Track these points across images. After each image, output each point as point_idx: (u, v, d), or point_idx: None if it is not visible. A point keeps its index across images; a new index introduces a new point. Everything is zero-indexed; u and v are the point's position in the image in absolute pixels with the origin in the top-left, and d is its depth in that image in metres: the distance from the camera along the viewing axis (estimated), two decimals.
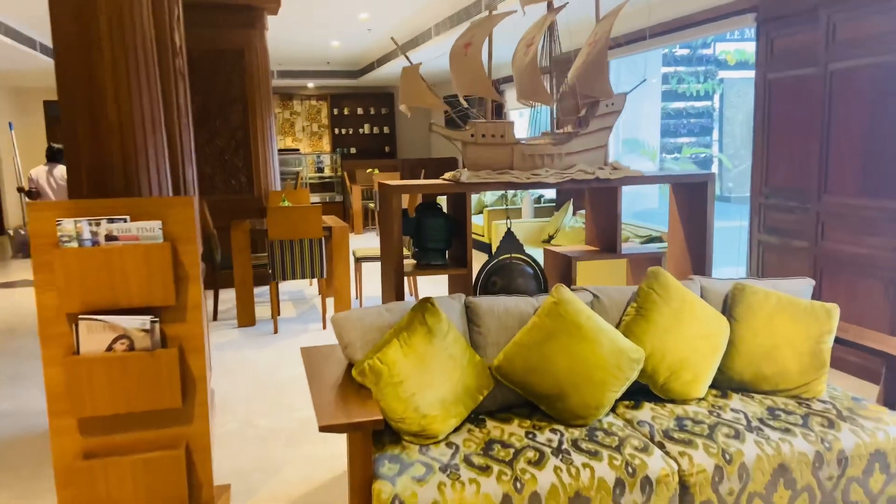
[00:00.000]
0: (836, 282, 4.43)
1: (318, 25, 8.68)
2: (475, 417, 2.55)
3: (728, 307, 2.91)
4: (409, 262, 3.42)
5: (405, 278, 3.48)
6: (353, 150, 14.47)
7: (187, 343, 2.63)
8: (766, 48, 5.07)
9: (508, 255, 3.38)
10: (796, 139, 4.83)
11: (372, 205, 12.01)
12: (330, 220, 6.45)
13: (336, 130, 14.46)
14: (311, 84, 13.89)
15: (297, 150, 14.03)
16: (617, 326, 2.80)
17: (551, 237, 7.32)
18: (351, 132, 14.54)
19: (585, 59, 3.27)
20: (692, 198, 3.57)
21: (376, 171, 12.44)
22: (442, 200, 6.96)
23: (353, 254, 6.55)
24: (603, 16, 3.26)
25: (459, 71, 3.18)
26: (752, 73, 9.55)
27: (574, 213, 7.42)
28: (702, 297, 2.95)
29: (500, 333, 2.69)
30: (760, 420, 2.51)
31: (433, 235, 3.33)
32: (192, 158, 3.66)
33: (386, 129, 14.74)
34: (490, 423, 2.49)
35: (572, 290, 2.83)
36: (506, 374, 2.61)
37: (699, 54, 8.86)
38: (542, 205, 8.85)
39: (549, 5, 3.29)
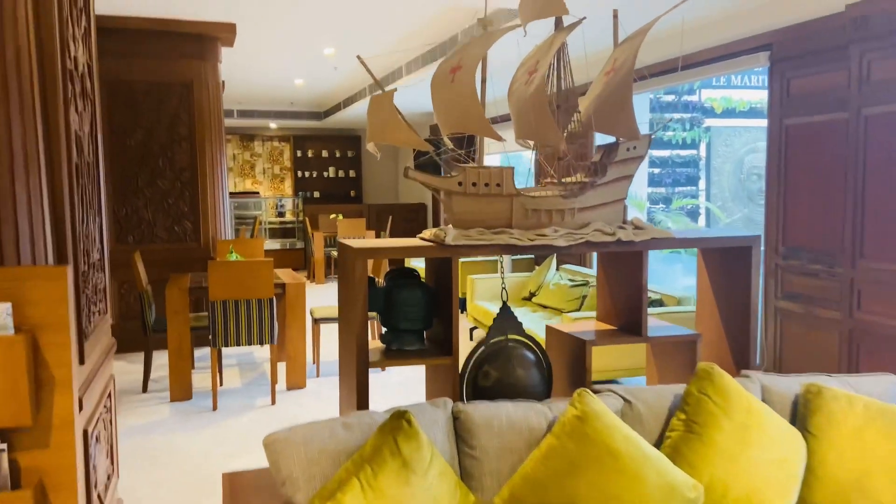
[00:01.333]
0: (877, 360, 3.78)
1: (281, 61, 8.00)
2: None
3: (800, 417, 2.20)
4: (375, 347, 2.64)
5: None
6: (316, 194, 13.71)
7: (51, 478, 1.80)
8: (781, 90, 4.52)
9: (505, 337, 2.64)
10: (820, 193, 4.23)
11: (335, 252, 11.21)
12: (284, 274, 5.64)
13: (299, 173, 13.71)
14: (273, 124, 13.16)
15: (257, 193, 13.22)
16: (658, 446, 2.06)
17: (532, 294, 6.60)
18: (315, 175, 13.80)
19: (603, 91, 2.60)
20: (730, 266, 2.88)
21: (340, 216, 11.69)
22: (420, 262, 6.15)
23: (311, 314, 5.72)
24: (626, 37, 2.60)
25: (444, 102, 2.47)
26: (739, 122, 9.15)
27: (557, 269, 6.74)
28: (764, 401, 2.23)
29: (501, 458, 1.94)
30: None
31: (408, 313, 2.56)
32: (101, 206, 2.87)
33: (352, 173, 14.04)
34: None
35: (596, 392, 2.09)
36: None
37: (684, 101, 8.41)
38: (519, 256, 8.17)
39: (558, 23, 2.62)
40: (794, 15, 4.33)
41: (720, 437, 2.01)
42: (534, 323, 5.54)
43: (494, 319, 2.64)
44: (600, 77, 2.64)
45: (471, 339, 6.84)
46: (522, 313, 6.08)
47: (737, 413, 2.05)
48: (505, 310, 2.65)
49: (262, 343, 4.71)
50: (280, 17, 5.90)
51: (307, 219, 12.34)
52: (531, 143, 2.73)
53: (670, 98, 8.45)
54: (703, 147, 8.52)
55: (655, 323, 2.88)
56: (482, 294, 6.83)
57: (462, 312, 7.16)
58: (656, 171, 8.25)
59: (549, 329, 2.95)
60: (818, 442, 2.13)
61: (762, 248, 4.76)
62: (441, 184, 2.47)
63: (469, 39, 2.49)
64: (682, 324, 4.68)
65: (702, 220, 8.39)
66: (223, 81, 7.33)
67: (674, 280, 8.00)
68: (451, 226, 2.50)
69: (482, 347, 2.62)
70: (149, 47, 6.27)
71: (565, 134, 2.74)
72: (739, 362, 2.81)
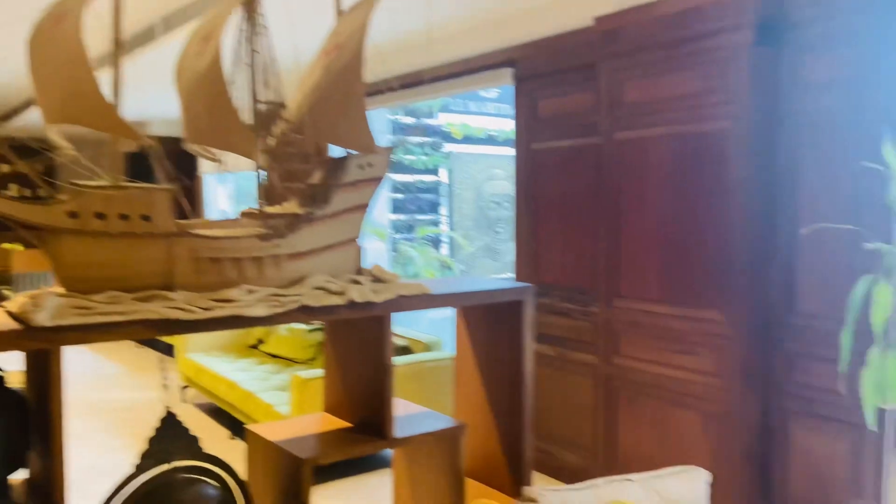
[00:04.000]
0: (638, 410, 3.43)
1: None
2: None
3: None
4: None
5: None
6: None
7: None
8: (528, 111, 4.10)
9: (170, 467, 1.62)
10: (573, 224, 3.86)
11: (7, 291, 8.87)
12: None
13: None
14: None
15: None
16: None
17: (260, 342, 5.52)
18: None
19: (323, 79, 1.73)
20: (496, 324, 2.18)
21: (19, 246, 9.35)
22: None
23: None
24: (352, 5, 1.77)
25: (44, 71, 1.41)
26: (478, 148, 9.04)
27: None
28: None
29: None
30: None
31: None
32: None
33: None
34: None
35: None
36: None
37: (425, 124, 8.02)
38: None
39: None
40: (539, 28, 3.94)
41: None
42: (260, 382, 4.48)
43: (152, 439, 1.60)
44: (318, 59, 1.77)
45: (183, 401, 5.52)
46: (246, 367, 4.98)
47: None
48: (170, 423, 1.63)
49: None
50: None
51: None
52: (214, 153, 1.76)
53: (410, 120, 8.01)
54: (443, 173, 8.19)
55: (406, 410, 2.07)
56: (199, 341, 5.53)
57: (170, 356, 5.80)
58: (399, 196, 7.70)
59: (250, 436, 1.97)
60: None
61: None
62: (33, 215, 1.39)
63: None
64: (437, 377, 4.00)
65: (445, 249, 8.04)
66: None
67: (418, 314, 7.42)
68: (52, 291, 1.42)
69: (128, 486, 1.56)
70: None
71: (272, 142, 1.81)
72: (511, 453, 2.12)
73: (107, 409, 5.33)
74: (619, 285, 3.50)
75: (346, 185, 1.80)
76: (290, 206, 1.78)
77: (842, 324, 2.30)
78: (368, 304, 1.76)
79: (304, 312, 1.65)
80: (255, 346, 5.55)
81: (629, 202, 3.43)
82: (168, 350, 6.20)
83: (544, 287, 3.99)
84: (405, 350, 4.36)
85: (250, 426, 1.97)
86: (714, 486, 3.05)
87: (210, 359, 5.13)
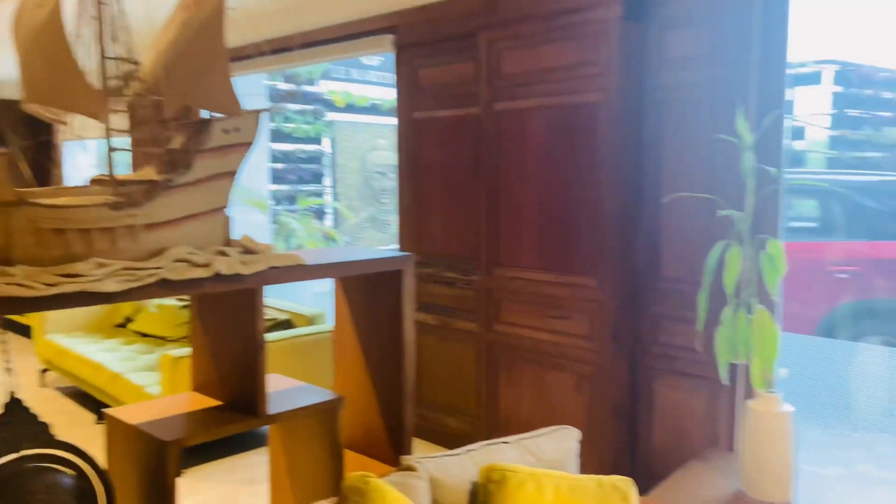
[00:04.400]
0: (517, 374, 3.53)
1: None
2: None
3: None
4: None
5: None
6: None
7: None
8: (409, 80, 4.06)
9: (18, 456, 1.49)
10: (455, 195, 3.88)
11: None
12: None
13: None
14: None
15: None
16: None
17: (129, 320, 5.20)
18: None
19: (180, 36, 1.61)
20: (375, 294, 2.16)
21: None
22: None
23: None
24: None
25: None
26: (361, 118, 8.88)
27: None
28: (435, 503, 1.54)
29: None
30: None
31: None
32: None
33: None
34: None
35: None
36: None
37: (306, 92, 7.77)
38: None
39: None
40: None
41: None
42: (128, 363, 4.23)
43: None
44: (175, 14, 1.65)
45: (43, 385, 5.12)
46: (113, 347, 4.68)
47: None
48: (16, 409, 1.49)
49: None
50: None
51: None
52: (58, 114, 1.60)
53: (289, 87, 7.73)
54: (326, 143, 8.00)
55: (281, 386, 2.01)
56: (60, 321, 5.13)
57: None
58: (280, 166, 7.44)
59: (108, 421, 1.84)
60: None
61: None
62: None
63: None
64: (321, 351, 3.93)
65: (329, 221, 7.89)
66: None
67: (304, 286, 7.28)
68: None
69: None
70: None
71: (124, 103, 1.67)
72: (392, 424, 2.11)
73: None
74: (498, 254, 3.57)
75: (210, 150, 1.69)
76: (147, 173, 1.65)
77: (700, 287, 2.45)
78: (237, 277, 1.68)
79: (164, 287, 1.55)
80: (122, 325, 5.23)
81: (508, 172, 3.49)
82: (25, 331, 5.72)
83: (428, 257, 4.00)
84: (287, 324, 4.25)
85: (108, 410, 1.84)
86: (587, 442, 3.21)
87: (72, 339, 4.78)
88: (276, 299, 4.74)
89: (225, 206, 1.80)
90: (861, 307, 4.03)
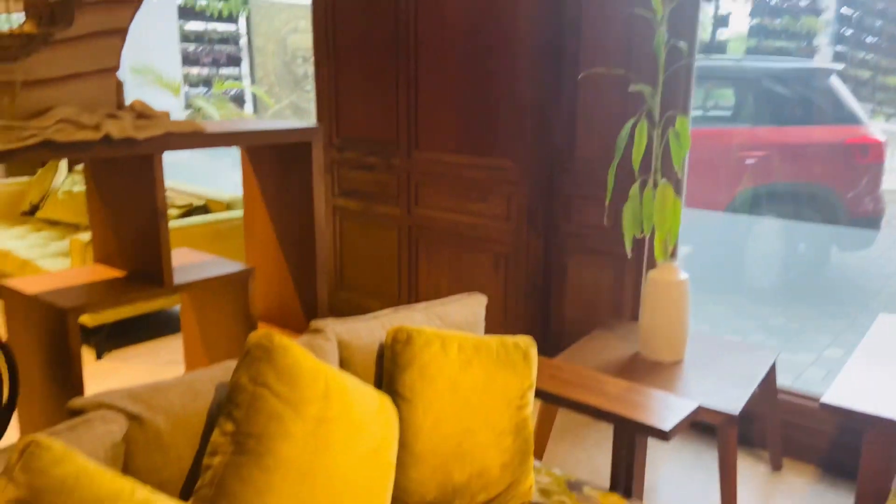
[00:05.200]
0: (436, 256, 3.60)
1: None
2: None
3: (388, 376, 1.62)
4: None
5: None
6: None
7: None
8: None
9: None
10: (374, 77, 3.76)
11: None
12: None
13: None
14: None
15: None
16: (191, 487, 1.24)
17: (36, 207, 4.96)
18: None
19: None
20: (285, 168, 2.11)
21: None
22: None
23: None
24: None
25: None
26: None
27: (70, 170, 5.17)
28: (343, 366, 1.59)
29: None
30: None
31: None
32: None
33: None
34: None
35: (81, 413, 1.16)
36: None
37: None
38: None
39: None
40: None
41: (289, 450, 1.29)
42: (37, 249, 4.07)
43: None
44: None
45: None
46: (20, 234, 4.48)
47: (311, 404, 1.34)
48: None
49: None
50: None
51: None
52: None
53: None
54: (243, 23, 7.53)
55: (188, 258, 1.98)
56: None
57: None
58: (191, 47, 6.99)
59: (5, 293, 1.78)
60: (412, 408, 1.58)
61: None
62: None
63: None
64: (236, 236, 3.87)
65: (249, 107, 7.56)
66: None
67: (223, 176, 7.09)
68: None
69: None
70: None
71: None
72: (306, 298, 2.14)
73: None
74: (417, 137, 3.54)
75: (94, 4, 1.56)
76: (24, 26, 1.52)
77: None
78: (130, 141, 1.60)
79: (48, 148, 1.46)
80: (30, 213, 4.98)
81: (426, 53, 3.40)
82: None
83: (348, 140, 3.92)
84: (203, 209, 4.14)
85: (5, 281, 1.78)
86: (503, 318, 3.34)
87: None
88: (195, 185, 4.59)
89: (116, 68, 1.69)
90: (760, 191, 4.24)
